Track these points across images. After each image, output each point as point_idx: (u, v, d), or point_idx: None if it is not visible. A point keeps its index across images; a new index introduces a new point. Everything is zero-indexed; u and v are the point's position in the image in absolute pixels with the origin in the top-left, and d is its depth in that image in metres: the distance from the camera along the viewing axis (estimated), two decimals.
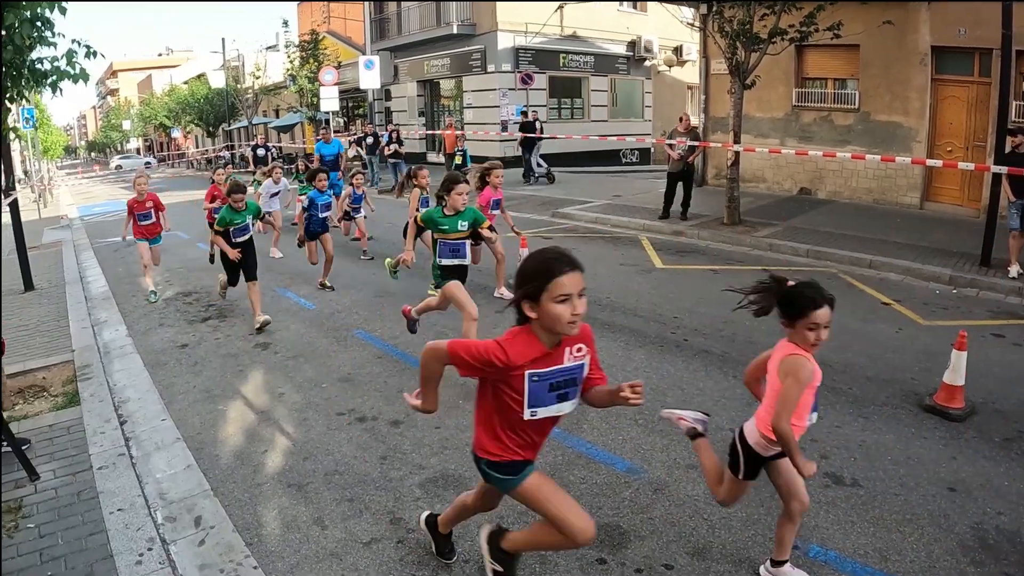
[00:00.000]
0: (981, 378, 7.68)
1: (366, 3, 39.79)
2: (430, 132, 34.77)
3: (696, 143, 17.23)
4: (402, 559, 4.77)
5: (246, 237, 10.19)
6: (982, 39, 15.76)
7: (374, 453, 6.22)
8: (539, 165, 26.72)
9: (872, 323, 9.87)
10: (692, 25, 23.29)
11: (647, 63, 37.84)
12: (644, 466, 5.88)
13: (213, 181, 15.22)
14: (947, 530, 5.10)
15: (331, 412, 7.11)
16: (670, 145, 17.05)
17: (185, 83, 67.99)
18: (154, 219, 12.10)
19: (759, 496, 5.43)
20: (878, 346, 8.77)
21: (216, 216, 10.26)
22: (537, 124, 26.23)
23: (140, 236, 11.93)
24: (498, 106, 32.06)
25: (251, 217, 10.27)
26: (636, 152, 37.18)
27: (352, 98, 42.03)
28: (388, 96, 40.06)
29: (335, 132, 28.31)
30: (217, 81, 53.95)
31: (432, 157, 34.46)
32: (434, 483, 5.70)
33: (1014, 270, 11.63)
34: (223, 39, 62.90)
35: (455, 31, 33.56)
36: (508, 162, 27.36)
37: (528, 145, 26.21)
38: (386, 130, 28.12)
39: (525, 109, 29.01)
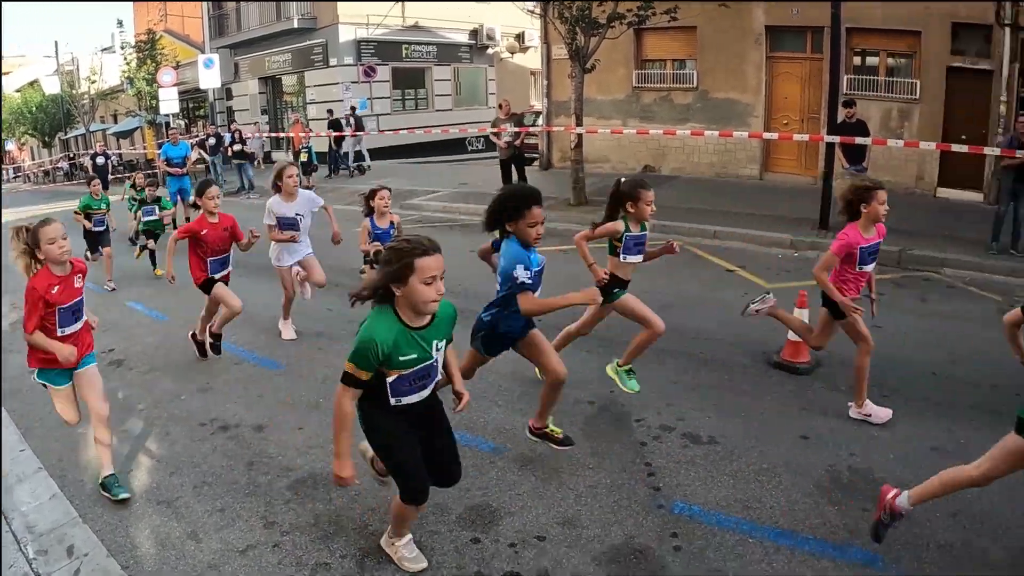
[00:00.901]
0: None
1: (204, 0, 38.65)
2: (273, 134, 34.02)
3: (519, 128, 17.49)
4: (280, 562, 4.71)
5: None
6: (814, 18, 16.59)
7: (240, 460, 6.06)
8: (359, 158, 26.97)
9: (719, 290, 10.34)
10: (532, 13, 23.58)
11: (490, 51, 38.03)
12: (508, 444, 5.99)
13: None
14: (803, 475, 5.43)
15: (193, 423, 6.85)
16: (495, 133, 17.27)
17: (17, 91, 64.16)
18: None
19: (622, 463, 5.66)
20: (725, 311, 9.11)
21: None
22: (349, 121, 26.60)
23: None
24: (342, 100, 31.71)
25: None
26: (482, 140, 37.42)
27: (193, 99, 40.72)
28: (229, 95, 39.03)
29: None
30: (52, 87, 51.22)
31: (278, 156, 33.83)
32: (303, 484, 5.61)
33: None
34: (56, 42, 60.06)
35: (296, 25, 32.88)
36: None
37: (339, 141, 26.28)
38: (229, 130, 27.44)
39: (331, 108, 28.86)
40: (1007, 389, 6.86)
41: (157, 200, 13.70)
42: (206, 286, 8.02)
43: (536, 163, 23.40)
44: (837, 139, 12.65)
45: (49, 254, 5.18)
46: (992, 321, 9.47)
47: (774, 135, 16.44)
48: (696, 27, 18.88)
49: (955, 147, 14.07)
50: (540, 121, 23.33)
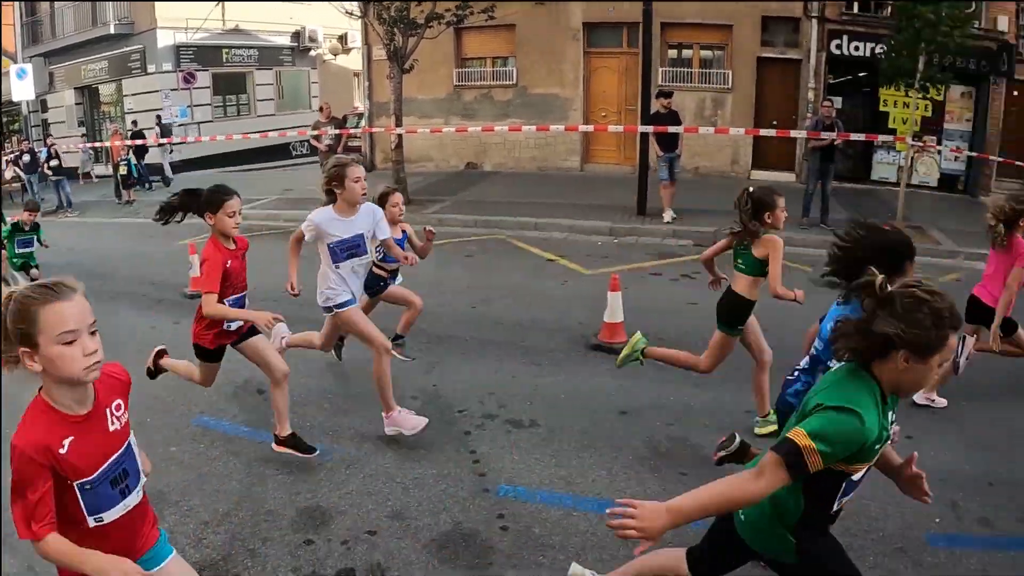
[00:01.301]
0: (644, 313, 8.39)
1: (16, 3, 36.41)
2: (91, 144, 32.39)
3: (340, 131, 17.38)
4: None
5: None
6: (629, 14, 17.02)
7: None
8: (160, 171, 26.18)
9: (539, 279, 10.53)
10: (351, 15, 23.37)
11: (312, 53, 37.40)
12: (334, 445, 5.90)
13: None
14: (623, 448, 5.61)
15: None
16: (315, 137, 17.10)
17: None
18: None
19: (447, 454, 5.68)
20: (545, 299, 9.34)
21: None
22: (152, 133, 25.65)
23: None
24: (162, 109, 30.56)
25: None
26: (306, 144, 36.75)
27: (5, 112, 38.53)
28: (44, 107, 36.97)
29: None
30: None
31: (100, 170, 32.27)
32: None
33: (668, 215, 12.99)
34: None
35: (112, 31, 31.24)
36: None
37: (140, 152, 25.42)
38: (44, 145, 26.00)
39: (136, 120, 27.88)
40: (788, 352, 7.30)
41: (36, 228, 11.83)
42: (215, 354, 5.50)
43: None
44: (651, 129, 13.10)
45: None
46: (806, 291, 10.08)
47: (590, 127, 16.91)
48: (515, 25, 19.17)
49: (763, 132, 14.87)
50: (363, 123, 23.17)
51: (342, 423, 6.28)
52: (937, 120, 19.37)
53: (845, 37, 18.47)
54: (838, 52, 18.50)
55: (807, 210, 13.78)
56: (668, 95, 13.47)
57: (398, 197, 7.18)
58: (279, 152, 33.79)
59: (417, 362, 7.48)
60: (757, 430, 5.87)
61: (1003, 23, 19.00)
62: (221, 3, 31.91)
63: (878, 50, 15.80)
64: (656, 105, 13.47)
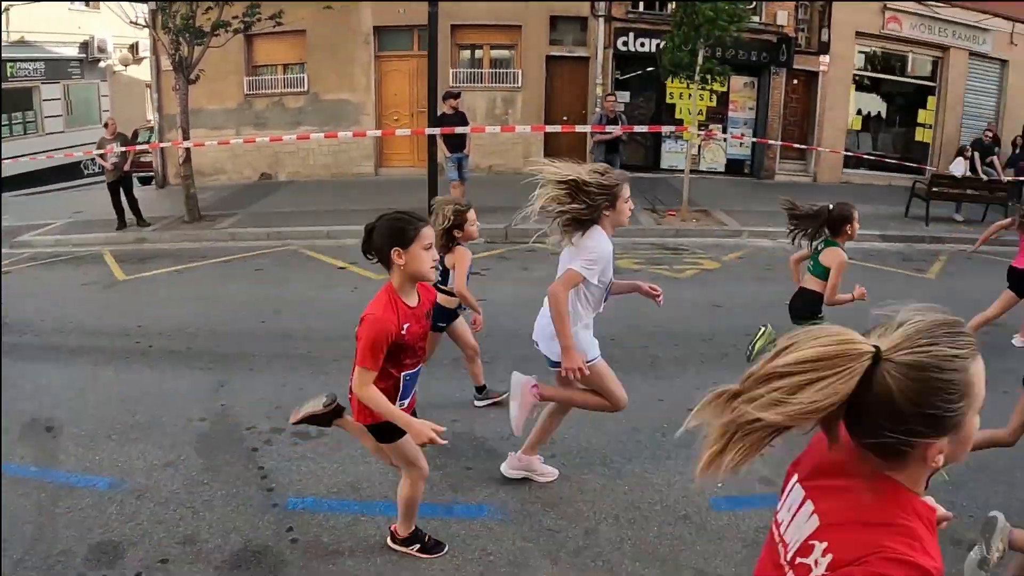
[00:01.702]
0: None
1: None
2: None
3: (126, 147, 16.82)
4: None
5: None
6: (420, 17, 17.09)
7: None
8: None
9: (330, 288, 10.60)
10: (136, 24, 22.62)
11: (102, 64, 35.94)
12: (124, 478, 5.75)
13: None
14: None
15: None
16: (101, 155, 16.53)
17: None
18: None
19: (235, 472, 5.68)
20: (335, 308, 9.37)
21: None
22: None
23: None
24: None
25: None
26: (97, 163, 35.29)
27: None
28: None
29: None
30: None
31: None
32: None
33: None
34: None
35: None
36: None
37: None
38: None
39: None
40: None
41: None
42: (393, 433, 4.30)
43: (153, 182, 22.49)
44: (438, 131, 13.31)
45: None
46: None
47: (378, 132, 16.98)
48: (305, 31, 18.98)
49: (549, 128, 15.40)
50: (154, 137, 22.48)
51: (131, 453, 6.13)
52: (722, 109, 20.68)
53: (631, 34, 19.35)
54: (625, 49, 19.35)
55: None
56: (455, 96, 13.73)
57: (473, 213, 6.53)
58: (69, 172, 32.31)
59: (205, 383, 7.39)
60: None
61: (783, 17, 20.53)
62: (5, 12, 30.34)
63: (663, 46, 16.49)
64: (444, 107, 13.69)
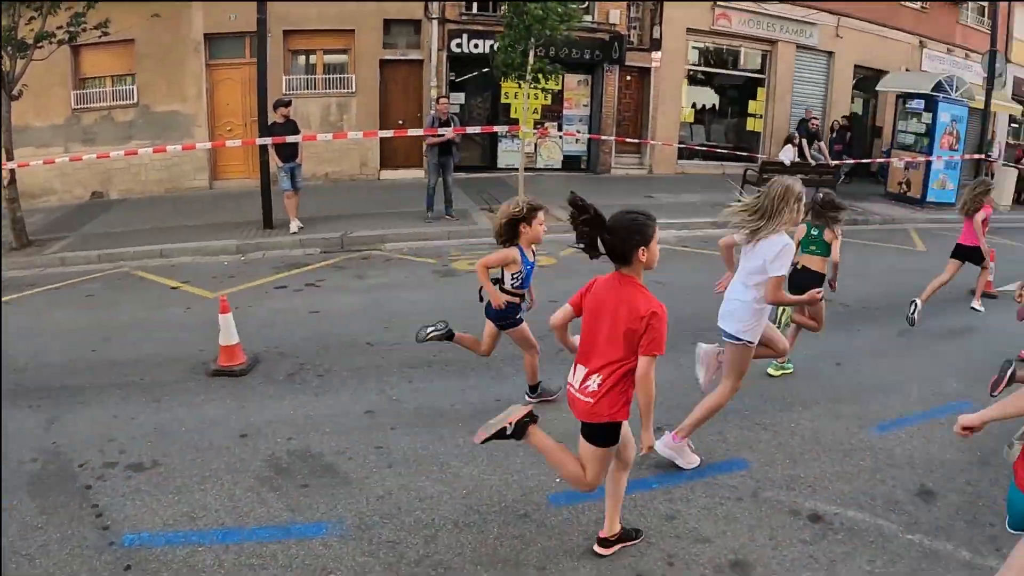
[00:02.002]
0: (266, 328, 8.52)
1: None
2: None
3: None
4: None
5: None
6: (251, 23, 16.68)
7: None
8: None
9: (162, 310, 10.12)
10: None
11: None
12: None
13: None
14: (244, 472, 5.62)
15: None
16: None
17: None
18: None
19: (69, 513, 5.39)
20: (168, 330, 9.04)
21: None
22: None
23: None
24: None
25: None
26: None
27: None
28: None
29: None
30: None
31: None
32: None
33: (294, 225, 13.15)
34: None
35: None
36: None
37: None
38: None
39: None
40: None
41: None
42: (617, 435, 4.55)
43: None
44: (269, 140, 13.05)
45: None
46: (426, 282, 10.75)
47: (208, 144, 16.52)
48: (134, 40, 18.22)
49: (381, 133, 15.41)
50: None
51: None
52: (558, 107, 21.10)
53: (465, 36, 19.43)
54: (459, 51, 19.44)
55: (430, 204, 14.49)
56: (286, 104, 13.49)
57: (543, 215, 6.44)
58: None
59: (35, 421, 6.96)
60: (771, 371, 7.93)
61: (615, 16, 21.07)
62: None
63: (494, 46, 16.60)
64: (275, 115, 13.43)
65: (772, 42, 24.77)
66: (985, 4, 30.48)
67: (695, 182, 21.45)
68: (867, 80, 27.48)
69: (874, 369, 8.44)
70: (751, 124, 25.60)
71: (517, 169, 15.90)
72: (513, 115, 19.57)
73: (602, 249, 4.28)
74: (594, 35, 20.82)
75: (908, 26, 28.18)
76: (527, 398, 6.84)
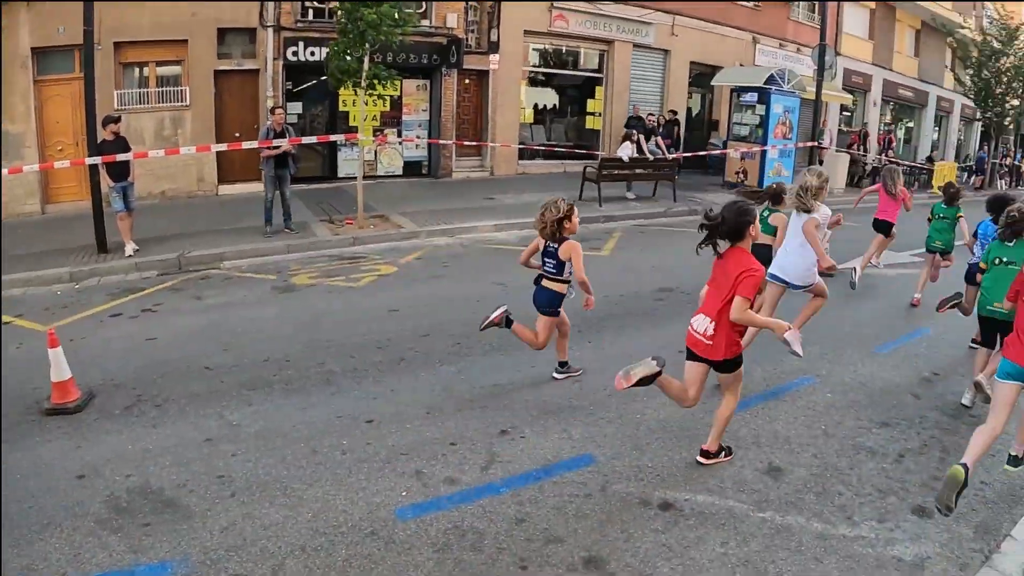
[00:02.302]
0: (102, 360, 8.29)
1: None
2: None
3: None
4: None
5: None
6: (79, 36, 16.17)
7: None
8: None
9: None
10: None
11: None
12: None
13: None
14: (83, 515, 5.41)
15: None
16: None
17: None
18: None
19: None
20: None
21: None
22: None
23: None
24: None
25: None
26: None
27: None
28: None
29: None
30: None
31: None
32: None
33: (129, 248, 12.75)
34: None
35: None
36: None
37: None
38: None
39: None
40: (275, 360, 7.99)
41: None
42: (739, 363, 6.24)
43: None
44: (99, 160, 12.70)
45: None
46: (266, 299, 10.72)
47: (35, 166, 15.83)
48: None
49: (214, 147, 15.24)
50: None
51: None
52: (397, 113, 21.23)
53: (301, 43, 19.30)
54: (295, 59, 19.28)
55: (269, 218, 14.33)
56: (115, 120, 13.07)
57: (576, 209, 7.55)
58: None
59: None
60: None
61: (452, 19, 21.23)
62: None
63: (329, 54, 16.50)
64: (104, 133, 13.02)
65: (609, 42, 25.56)
66: (815, 1, 32.12)
67: (536, 182, 21.96)
68: (703, 76, 28.80)
69: None
70: (591, 123, 26.39)
71: (357, 178, 15.90)
72: (352, 123, 19.47)
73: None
74: (431, 39, 20.97)
75: (741, 23, 29.61)
76: (555, 374, 8.02)
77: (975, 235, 9.43)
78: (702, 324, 5.93)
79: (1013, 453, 6.41)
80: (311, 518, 5.38)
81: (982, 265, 7.66)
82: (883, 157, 32.85)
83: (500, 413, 7.14)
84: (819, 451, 6.72)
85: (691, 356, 6.12)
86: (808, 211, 8.11)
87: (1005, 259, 7.33)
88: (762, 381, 8.22)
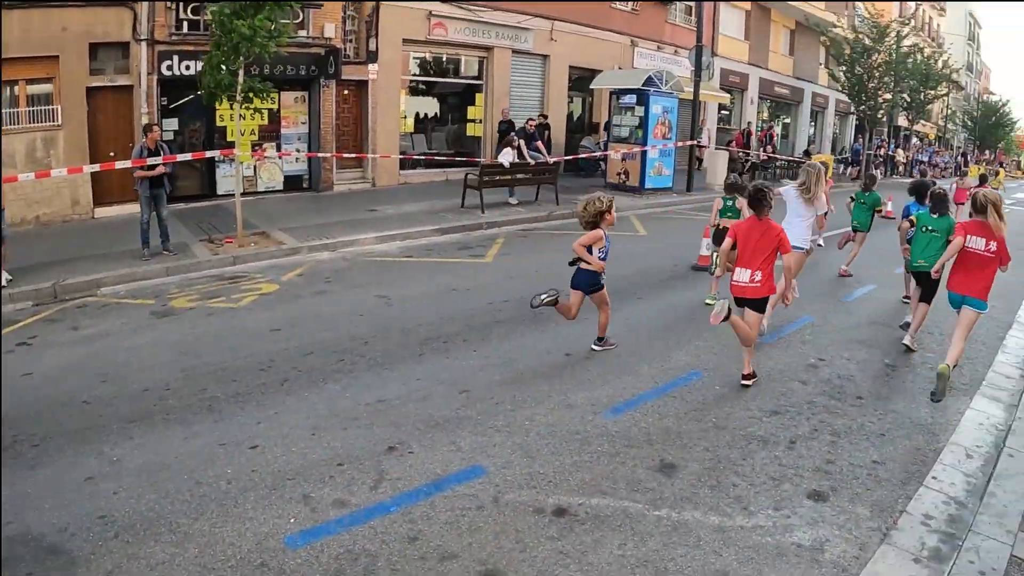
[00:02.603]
0: None
1: None
2: None
3: None
4: None
5: None
6: None
7: None
8: None
9: None
10: None
11: None
12: None
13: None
14: None
15: None
16: None
17: None
18: None
19: None
20: None
21: None
22: None
23: None
24: None
25: None
26: None
27: None
28: None
29: None
30: None
31: None
32: None
33: (3, 278, 11.89)
34: None
35: None
36: None
37: None
38: None
39: None
40: (155, 390, 7.95)
41: None
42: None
43: None
44: None
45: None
46: (145, 325, 10.51)
47: None
48: None
49: (87, 168, 14.93)
50: None
51: None
52: (275, 126, 21.03)
53: (176, 57, 18.95)
54: (170, 73, 18.88)
55: (146, 241, 13.90)
56: None
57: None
58: None
59: None
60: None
61: (330, 29, 21.17)
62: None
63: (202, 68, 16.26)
64: None
65: (489, 49, 25.93)
66: (692, 4, 33.11)
67: (418, 191, 22.15)
68: (583, 80, 29.32)
69: (604, 354, 9.23)
70: (472, 130, 26.70)
71: (236, 195, 15.60)
72: (229, 138, 19.21)
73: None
74: (309, 50, 20.86)
75: (620, 27, 30.42)
76: (594, 346, 9.42)
77: (905, 216, 11.45)
78: (746, 275, 8.16)
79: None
80: (198, 554, 5.24)
81: (912, 219, 10.55)
82: (761, 152, 34.37)
83: (387, 429, 7.14)
84: (711, 444, 6.94)
85: (740, 303, 8.32)
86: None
87: (931, 228, 9.87)
88: (650, 378, 8.48)
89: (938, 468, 6.78)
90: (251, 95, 15.02)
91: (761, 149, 35.11)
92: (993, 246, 8.43)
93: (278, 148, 21.11)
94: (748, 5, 39.70)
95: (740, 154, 33.20)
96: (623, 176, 24.83)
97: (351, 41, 22.63)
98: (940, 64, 46.10)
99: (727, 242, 8.32)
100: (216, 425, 7.28)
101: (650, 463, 6.54)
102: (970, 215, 8.81)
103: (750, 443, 7.04)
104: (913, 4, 61.97)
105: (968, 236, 8.49)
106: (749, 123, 37.82)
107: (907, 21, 46.88)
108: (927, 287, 9.87)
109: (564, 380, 8.37)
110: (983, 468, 6.83)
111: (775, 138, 40.29)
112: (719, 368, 8.95)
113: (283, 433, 7.06)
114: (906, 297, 11.99)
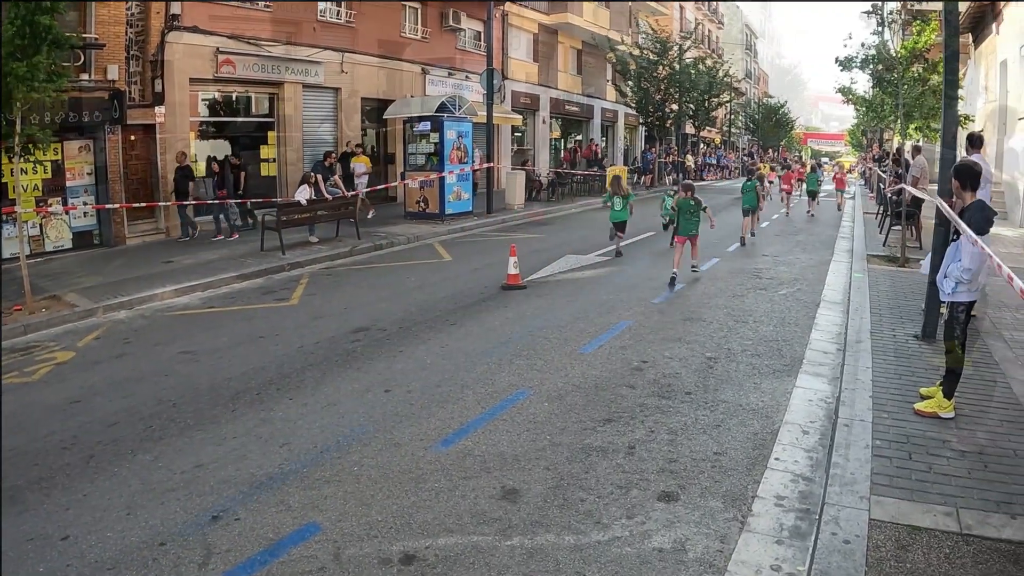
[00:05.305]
0: None
1: None
2: None
3: None
4: None
5: None
6: None
7: None
8: None
9: None
10: None
11: None
12: None
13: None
14: None
15: None
16: None
17: None
18: None
19: None
20: None
21: None
22: None
23: None
24: None
25: None
26: None
27: None
28: None
29: None
30: None
31: None
32: None
33: None
34: None
35: None
36: None
37: None
38: None
39: None
40: None
41: None
42: None
43: None
44: None
45: None
46: None
47: None
48: None
49: None
50: None
51: None
52: (61, 179, 19.95)
53: None
54: None
55: None
56: None
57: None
58: None
59: None
60: None
61: (113, 71, 20.45)
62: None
63: None
64: None
65: (279, 84, 25.78)
66: (480, 29, 33.97)
67: (213, 237, 21.88)
68: (378, 110, 29.52)
69: (424, 385, 9.16)
70: (266, 169, 26.42)
71: (26, 255, 14.57)
72: (11, 195, 18.03)
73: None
74: (92, 94, 20.01)
75: (411, 56, 31.08)
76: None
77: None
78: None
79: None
80: None
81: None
82: (596, 170, 36.77)
83: (208, 497, 6.60)
84: (550, 463, 6.91)
85: None
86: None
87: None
88: (476, 404, 8.47)
89: (778, 449, 7.19)
90: (30, 146, 14.06)
91: (593, 167, 38.78)
92: None
93: (64, 203, 19.94)
94: (535, 28, 40.93)
95: (535, 174, 34.67)
96: (422, 204, 25.18)
97: (136, 83, 22.10)
98: (721, 73, 48.98)
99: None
100: (20, 519, 6.44)
101: (491, 492, 6.42)
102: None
103: (589, 455, 7.10)
104: (693, 19, 65.50)
105: None
106: (578, 140, 39.76)
107: (688, 35, 49.68)
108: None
109: (387, 417, 8.21)
110: (821, 442, 7.33)
111: (600, 154, 43.84)
112: (543, 384, 9.08)
113: (95, 517, 6.35)
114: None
